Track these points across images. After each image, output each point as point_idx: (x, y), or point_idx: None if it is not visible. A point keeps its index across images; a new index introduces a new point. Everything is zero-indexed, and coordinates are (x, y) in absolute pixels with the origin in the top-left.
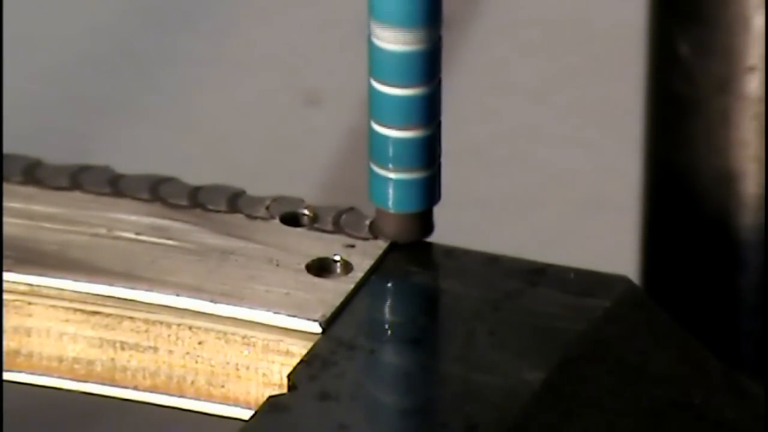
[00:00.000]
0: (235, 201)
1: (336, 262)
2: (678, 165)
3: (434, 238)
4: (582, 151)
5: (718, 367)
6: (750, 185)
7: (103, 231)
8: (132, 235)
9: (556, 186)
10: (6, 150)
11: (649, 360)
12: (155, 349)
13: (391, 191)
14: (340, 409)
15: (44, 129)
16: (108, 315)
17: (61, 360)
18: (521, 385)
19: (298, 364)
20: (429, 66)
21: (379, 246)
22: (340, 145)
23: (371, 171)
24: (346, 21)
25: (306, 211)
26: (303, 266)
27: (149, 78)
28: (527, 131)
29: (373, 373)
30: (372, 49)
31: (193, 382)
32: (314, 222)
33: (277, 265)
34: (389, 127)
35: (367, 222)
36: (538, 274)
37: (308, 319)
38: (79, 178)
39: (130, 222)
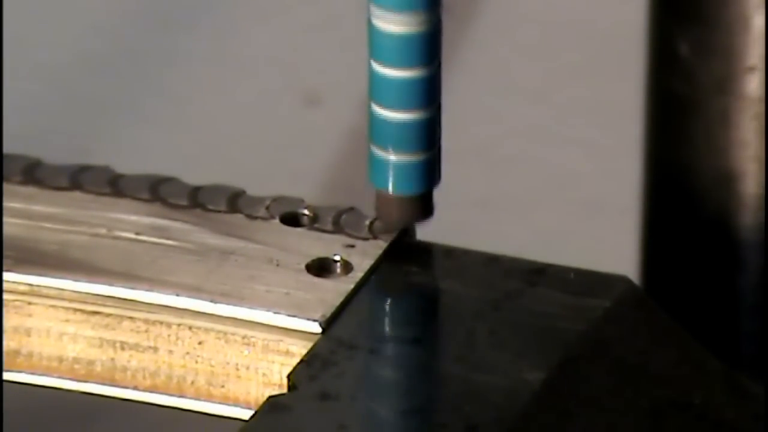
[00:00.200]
0: (235, 201)
1: (336, 262)
2: (678, 165)
3: (434, 238)
4: (582, 151)
5: (718, 367)
6: (750, 185)
7: (103, 231)
8: (132, 235)
9: (556, 186)
10: (6, 150)
11: (649, 360)
12: (155, 349)
13: (391, 173)
14: (340, 409)
15: (44, 129)
16: (108, 315)
17: (61, 360)
18: (521, 385)
19: (298, 364)
20: (429, 48)
21: (379, 246)
22: (340, 145)
23: (371, 153)
24: (346, 21)
25: (306, 211)
26: (303, 266)
27: (149, 78)
28: (527, 131)
29: (373, 373)
30: (372, 31)
31: (193, 382)
32: (314, 222)
33: (277, 265)
34: (389, 110)
35: (367, 222)
36: (538, 274)
37: (308, 319)
38: (79, 178)
39: (130, 222)
